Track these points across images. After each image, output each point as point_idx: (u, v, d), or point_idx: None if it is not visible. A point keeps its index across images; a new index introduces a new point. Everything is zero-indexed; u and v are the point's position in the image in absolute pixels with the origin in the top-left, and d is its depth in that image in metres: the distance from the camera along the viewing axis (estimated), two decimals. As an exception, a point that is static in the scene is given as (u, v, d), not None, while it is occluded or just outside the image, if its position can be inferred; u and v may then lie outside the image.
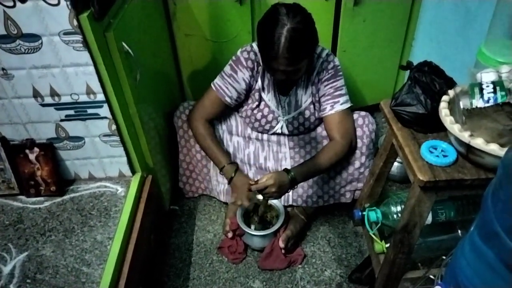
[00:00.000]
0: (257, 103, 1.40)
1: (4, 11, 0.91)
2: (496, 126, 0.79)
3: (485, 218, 0.60)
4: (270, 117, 1.42)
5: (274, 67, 1.17)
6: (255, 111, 1.42)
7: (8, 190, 1.21)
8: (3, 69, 1.01)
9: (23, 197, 1.21)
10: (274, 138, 1.50)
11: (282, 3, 1.16)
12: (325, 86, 1.33)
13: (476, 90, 0.87)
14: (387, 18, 1.75)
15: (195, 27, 1.68)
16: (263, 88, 1.37)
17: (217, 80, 1.38)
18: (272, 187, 1.21)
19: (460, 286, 0.66)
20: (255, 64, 1.33)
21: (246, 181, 1.30)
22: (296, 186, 1.30)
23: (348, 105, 1.34)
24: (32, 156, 1.17)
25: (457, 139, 0.85)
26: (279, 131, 1.46)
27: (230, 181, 1.36)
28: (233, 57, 1.35)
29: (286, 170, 1.27)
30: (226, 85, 1.36)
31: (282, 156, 1.49)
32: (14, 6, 0.90)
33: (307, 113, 1.41)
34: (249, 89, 1.38)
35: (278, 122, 1.44)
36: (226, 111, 1.45)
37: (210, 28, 1.69)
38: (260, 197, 1.34)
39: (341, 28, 1.72)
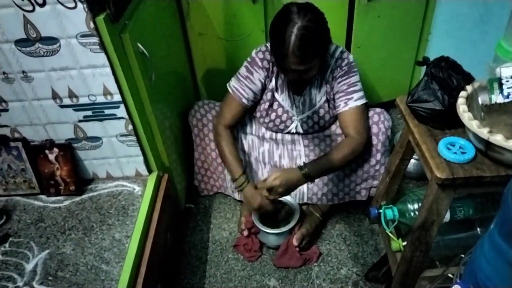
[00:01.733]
0: (268, 103, 1.40)
1: (24, 15, 0.93)
2: (516, 122, 0.77)
3: (505, 216, 0.59)
4: (284, 117, 1.42)
5: (286, 66, 1.17)
6: (269, 111, 1.42)
7: (29, 190, 1.24)
8: (23, 71, 1.04)
9: (43, 197, 1.25)
10: (288, 136, 1.50)
11: (294, 2, 1.15)
12: (338, 83, 1.32)
13: (495, 85, 0.85)
14: (402, 13, 1.73)
15: (208, 26, 1.69)
16: (276, 88, 1.37)
17: (233, 82, 1.38)
18: (279, 188, 1.21)
19: (480, 285, 0.66)
20: (271, 64, 1.33)
21: (254, 192, 1.32)
22: (312, 182, 1.30)
23: (362, 101, 1.33)
24: (51, 156, 1.20)
25: (475, 135, 0.83)
26: (293, 130, 1.46)
27: (240, 190, 1.38)
28: (248, 58, 1.35)
29: (299, 166, 1.25)
30: (243, 87, 1.36)
31: (297, 154, 1.49)
32: (33, 10, 0.92)
33: (321, 111, 1.40)
34: (264, 88, 1.38)
35: (292, 122, 1.43)
36: (246, 112, 1.44)
37: (224, 27, 1.69)
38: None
39: (355, 24, 1.71)
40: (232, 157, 1.37)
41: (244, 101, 1.37)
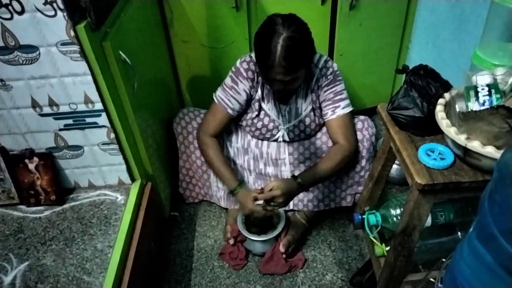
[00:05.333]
0: (256, 112, 1.40)
1: (2, 23, 0.91)
2: (491, 129, 0.79)
3: (482, 221, 0.60)
4: (270, 126, 1.42)
5: (271, 77, 1.18)
6: (255, 120, 1.42)
7: (8, 200, 1.21)
8: (1, 80, 1.02)
9: (23, 207, 1.22)
10: (273, 144, 1.50)
11: (278, 13, 1.16)
12: (325, 92, 1.34)
13: (472, 93, 0.87)
14: (383, 22, 1.76)
15: (192, 34, 1.69)
16: (262, 98, 1.38)
17: (219, 93, 1.38)
18: (280, 198, 1.21)
19: (460, 288, 0.67)
20: (255, 74, 1.34)
21: (246, 197, 1.31)
22: (307, 191, 1.30)
23: (349, 109, 1.35)
24: (31, 166, 1.17)
25: (454, 142, 0.85)
26: (280, 139, 1.46)
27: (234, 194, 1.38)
28: (233, 68, 1.36)
29: (293, 176, 1.27)
30: (228, 97, 1.36)
31: (282, 162, 1.49)
32: (11, 18, 0.90)
33: (307, 120, 1.41)
34: (250, 99, 1.38)
35: (279, 131, 1.44)
36: (230, 122, 1.45)
37: (207, 35, 1.70)
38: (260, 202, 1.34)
39: (338, 32, 1.73)
40: (222, 165, 1.37)
41: (230, 111, 1.38)
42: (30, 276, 1.01)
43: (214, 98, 1.39)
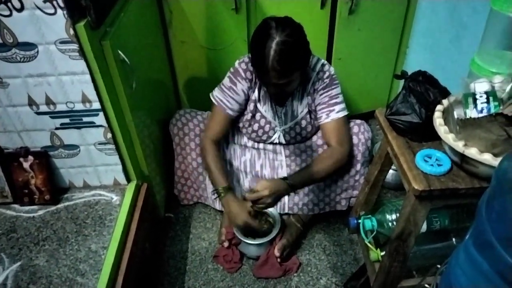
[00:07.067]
0: (251, 114, 1.40)
1: (0, 20, 0.90)
2: (489, 136, 0.80)
3: (479, 228, 0.60)
4: (267, 127, 1.42)
5: (266, 80, 1.18)
6: (251, 122, 1.42)
7: (1, 199, 1.20)
8: (-2, 77, 1.01)
9: (16, 206, 1.20)
10: (270, 146, 1.50)
11: (273, 16, 1.16)
12: (320, 95, 1.34)
13: (470, 100, 0.87)
14: (382, 27, 1.77)
15: (191, 35, 1.68)
16: (259, 100, 1.38)
17: (217, 93, 1.38)
18: (268, 198, 1.20)
19: (455, 295, 0.67)
20: (253, 75, 1.34)
21: (239, 208, 1.27)
22: (296, 192, 1.30)
23: (344, 113, 1.35)
24: (26, 165, 1.16)
25: (451, 148, 0.85)
26: (276, 140, 1.46)
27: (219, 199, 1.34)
28: (231, 69, 1.35)
29: (283, 178, 1.27)
30: (227, 98, 1.36)
31: (278, 164, 1.49)
32: (10, 15, 0.90)
33: (303, 122, 1.41)
34: (248, 99, 1.38)
35: (275, 132, 1.44)
36: (232, 123, 1.43)
37: (206, 36, 1.69)
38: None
39: (336, 36, 1.74)
40: (217, 169, 1.33)
41: (229, 111, 1.37)
42: (22, 276, 1.00)
43: (212, 99, 1.38)
